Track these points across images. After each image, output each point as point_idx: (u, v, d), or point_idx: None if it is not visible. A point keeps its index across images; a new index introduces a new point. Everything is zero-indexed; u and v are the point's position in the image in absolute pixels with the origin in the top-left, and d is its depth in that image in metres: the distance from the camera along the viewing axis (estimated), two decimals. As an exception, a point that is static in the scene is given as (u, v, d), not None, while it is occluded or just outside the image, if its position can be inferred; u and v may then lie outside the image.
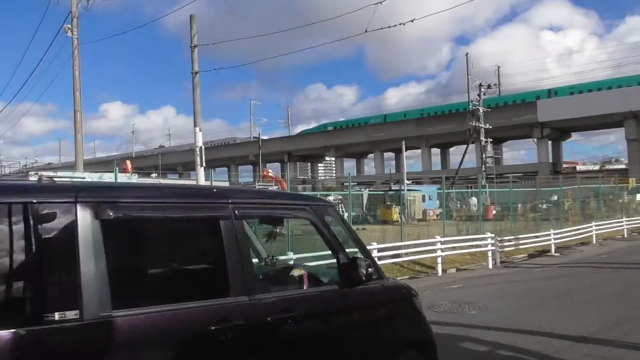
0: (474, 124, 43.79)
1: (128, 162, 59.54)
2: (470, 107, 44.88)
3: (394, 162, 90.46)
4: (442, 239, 14.41)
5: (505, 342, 7.01)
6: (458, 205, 46.45)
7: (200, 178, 15.34)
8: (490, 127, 45.31)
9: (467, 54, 57.45)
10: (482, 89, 44.46)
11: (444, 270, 16.19)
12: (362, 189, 43.75)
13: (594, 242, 21.09)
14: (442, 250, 14.25)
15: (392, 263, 15.84)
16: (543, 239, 17.90)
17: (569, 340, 7.02)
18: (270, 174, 72.24)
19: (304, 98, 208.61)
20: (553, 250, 18.00)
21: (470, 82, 52.72)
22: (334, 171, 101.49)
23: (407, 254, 15.22)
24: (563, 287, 10.97)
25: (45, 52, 49.05)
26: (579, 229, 20.68)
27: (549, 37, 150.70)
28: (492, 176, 45.41)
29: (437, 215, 40.28)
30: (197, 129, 15.54)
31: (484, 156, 44.65)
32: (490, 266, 15.23)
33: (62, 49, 29.65)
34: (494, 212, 39.52)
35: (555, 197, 30.00)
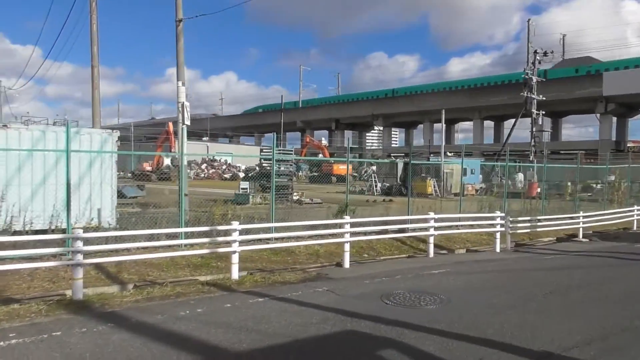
0: (525, 94, 40.24)
1: (170, 124, 59.41)
2: (524, 76, 41.18)
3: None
4: (436, 216, 12.53)
5: (435, 353, 5.32)
6: (502, 180, 43.56)
7: (182, 137, 14.03)
8: (544, 98, 41.57)
9: (528, 20, 53.18)
10: (538, 57, 40.62)
11: (450, 250, 14.48)
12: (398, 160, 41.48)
13: (635, 227, 18.42)
14: (435, 229, 12.38)
15: (393, 239, 14.30)
16: (570, 221, 15.59)
17: (524, 358, 5.25)
18: (314, 142, 71.07)
19: (364, 66, 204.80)
20: (581, 235, 15.69)
21: (532, 51, 48.56)
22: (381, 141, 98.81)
23: (413, 230, 13.69)
24: (565, 281, 8.98)
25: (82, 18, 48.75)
26: (617, 213, 18.05)
27: (628, 7, 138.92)
28: (544, 152, 41.90)
29: (477, 190, 37.85)
30: (180, 83, 14.16)
31: (534, 130, 41.12)
32: (498, 249, 13.24)
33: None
34: (539, 189, 36.72)
35: (612, 177, 26.98)
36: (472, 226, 15.47)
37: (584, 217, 15.80)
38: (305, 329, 6.08)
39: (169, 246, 10.24)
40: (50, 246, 8.35)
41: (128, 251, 9.83)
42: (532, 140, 41.36)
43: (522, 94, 40.68)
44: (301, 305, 7.20)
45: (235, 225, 9.16)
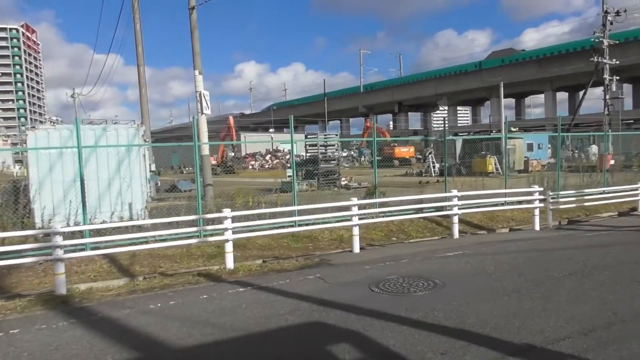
0: (595, 59, 37.03)
1: (231, 117, 60.71)
2: (593, 39, 37.90)
3: (514, 110, 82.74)
4: (459, 194, 11.57)
5: (393, 347, 4.68)
6: (575, 154, 40.67)
7: (202, 127, 13.92)
8: (618, 62, 38.11)
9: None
10: (609, 18, 37.15)
11: (491, 230, 13.55)
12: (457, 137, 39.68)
13: None
14: (459, 207, 11.45)
15: (426, 219, 13.55)
16: (625, 193, 14.00)
17: (501, 353, 4.49)
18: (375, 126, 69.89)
19: (432, 46, 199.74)
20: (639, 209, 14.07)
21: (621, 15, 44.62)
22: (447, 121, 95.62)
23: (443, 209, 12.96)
24: (593, 260, 7.87)
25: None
26: None
27: None
28: (619, 121, 38.59)
29: (544, 166, 35.63)
30: (197, 72, 14.04)
31: (607, 98, 37.82)
32: (537, 227, 12.06)
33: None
34: (612, 162, 33.93)
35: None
36: (520, 203, 14.34)
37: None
38: (267, 321, 5.62)
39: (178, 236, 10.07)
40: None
41: (146, 242, 9.84)
42: (606, 109, 38.06)
43: (591, 59, 37.48)
44: (279, 294, 6.74)
45: (226, 212, 8.82)
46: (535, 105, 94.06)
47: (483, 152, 34.87)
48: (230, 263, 8.68)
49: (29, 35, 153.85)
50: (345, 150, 70.65)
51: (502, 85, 37.86)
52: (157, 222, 11.00)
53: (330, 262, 9.04)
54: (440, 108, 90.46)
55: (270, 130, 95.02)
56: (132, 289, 7.57)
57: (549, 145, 42.99)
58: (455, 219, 11.30)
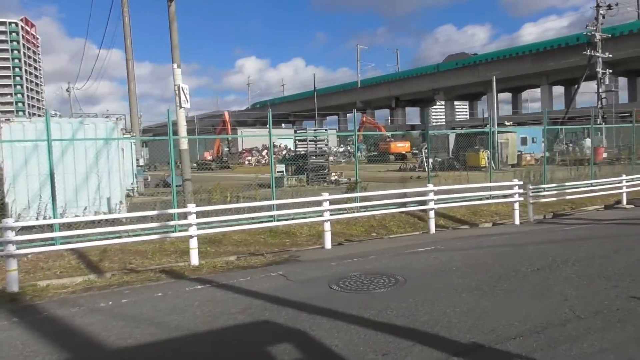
0: (588, 52, 36.79)
1: (226, 112, 60.38)
2: (585, 33, 37.61)
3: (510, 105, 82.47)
4: (435, 189, 11.36)
5: (335, 347, 4.49)
6: (569, 148, 40.47)
7: (180, 121, 13.69)
8: (611, 55, 37.86)
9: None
10: (601, 11, 36.90)
11: (474, 225, 13.38)
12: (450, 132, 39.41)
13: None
14: (439, 202, 11.25)
15: (405, 213, 13.39)
16: (611, 186, 13.82)
17: (446, 353, 4.30)
18: (370, 121, 69.83)
19: (432, 41, 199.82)
20: (625, 201, 13.87)
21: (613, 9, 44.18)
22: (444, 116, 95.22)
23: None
24: (565, 255, 7.66)
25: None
26: None
27: None
28: (618, 114, 38.32)
29: (537, 160, 35.45)
30: (175, 65, 13.77)
31: (600, 91, 37.59)
32: (517, 221, 11.87)
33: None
34: (605, 155, 33.76)
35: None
36: (505, 197, 14.17)
37: (628, 180, 13.91)
38: (214, 320, 5.43)
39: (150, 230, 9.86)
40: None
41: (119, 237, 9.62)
42: (599, 102, 37.85)
43: (584, 52, 37.24)
44: (236, 292, 6.54)
45: (190, 207, 8.61)
46: (533, 100, 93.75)
47: (476, 147, 34.61)
48: (194, 260, 8.48)
49: (28, 29, 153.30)
50: (342, 145, 70.49)
51: (494, 80, 37.61)
52: (132, 217, 10.85)
53: (298, 259, 8.85)
54: (438, 103, 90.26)
55: (283, 125, 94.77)
56: (89, 286, 7.38)
57: (543, 139, 42.77)
58: (432, 214, 11.09)
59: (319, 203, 9.96)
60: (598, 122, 37.54)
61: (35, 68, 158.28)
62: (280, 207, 11.93)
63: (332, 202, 13.36)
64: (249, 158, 59.46)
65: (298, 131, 29.13)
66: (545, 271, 6.81)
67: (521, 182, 12.10)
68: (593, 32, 36.90)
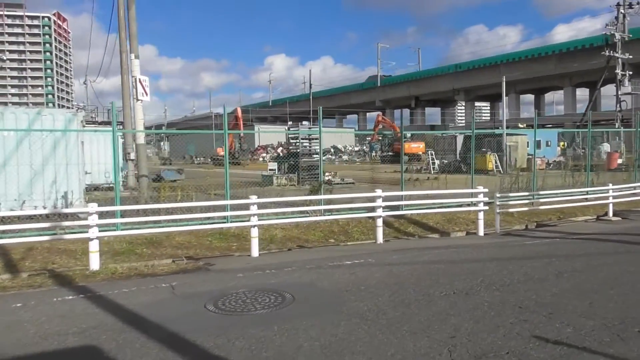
0: (607, 53, 35.01)
1: (239, 109, 60.36)
2: (605, 33, 35.82)
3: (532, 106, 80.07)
4: (383, 195, 10.43)
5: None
6: (584, 152, 38.76)
7: (138, 114, 13.08)
8: (631, 56, 35.99)
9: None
10: (622, 10, 35.08)
11: (445, 233, 12.43)
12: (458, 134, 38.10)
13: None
14: (383, 209, 10.32)
15: (372, 218, 12.58)
16: (602, 195, 12.69)
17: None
18: (385, 120, 68.90)
19: (463, 42, 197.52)
20: (611, 213, 12.68)
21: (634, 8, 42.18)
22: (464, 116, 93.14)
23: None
24: (498, 277, 6.68)
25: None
26: None
27: None
28: (633, 117, 36.37)
29: (549, 164, 34.02)
30: (133, 55, 13.19)
31: (619, 94, 35.78)
32: (482, 232, 10.87)
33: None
34: (620, 160, 32.09)
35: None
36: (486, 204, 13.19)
37: (614, 190, 12.72)
38: (40, 342, 4.70)
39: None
40: None
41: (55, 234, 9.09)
42: (618, 105, 36.03)
43: (602, 53, 35.47)
44: (102, 306, 5.81)
45: (92, 207, 7.90)
46: (559, 102, 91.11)
47: (484, 149, 33.29)
48: (94, 264, 7.78)
49: (60, 24, 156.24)
50: (357, 145, 69.53)
51: (504, 80, 36.13)
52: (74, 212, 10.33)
53: (211, 268, 8.08)
54: (459, 104, 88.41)
55: (289, 123, 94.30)
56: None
57: (560, 143, 41.09)
58: (379, 222, 10.17)
59: (296, 204, 9.22)
60: (617, 125, 35.75)
61: (66, 61, 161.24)
62: (237, 207, 11.23)
63: (294, 204, 12.69)
64: (264, 155, 59.13)
65: (291, 129, 28.30)
66: (459, 296, 5.88)
67: (486, 190, 11.06)
68: (613, 32, 35.10)
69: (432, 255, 8.57)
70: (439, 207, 12.94)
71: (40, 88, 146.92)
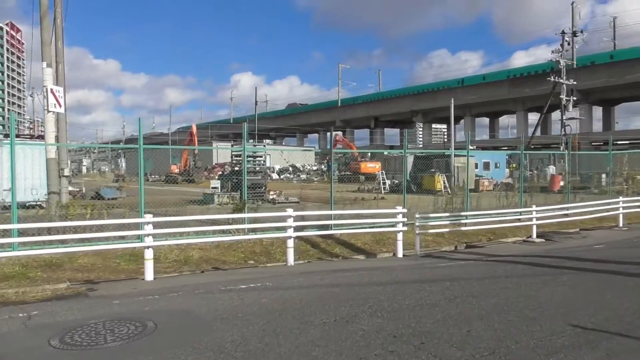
0: (552, 79, 35.96)
1: (194, 125, 59.25)
2: (550, 60, 36.79)
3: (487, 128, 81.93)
4: (294, 214, 10.04)
5: None
6: (534, 174, 39.58)
7: (49, 127, 12.38)
8: (575, 82, 37.09)
9: (572, 3, 48.45)
10: (566, 38, 36.20)
11: (372, 254, 12.01)
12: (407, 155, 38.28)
13: (621, 224, 14.95)
14: (295, 229, 9.92)
15: (298, 238, 12.21)
16: (529, 216, 12.63)
17: None
18: (343, 140, 69.07)
19: (427, 65, 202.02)
20: (534, 234, 12.63)
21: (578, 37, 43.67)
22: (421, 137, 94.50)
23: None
24: (385, 304, 6.31)
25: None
26: (592, 206, 14.79)
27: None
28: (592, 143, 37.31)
29: (497, 185, 34.45)
30: (45, 64, 12.57)
31: (563, 118, 36.71)
32: (400, 254, 10.57)
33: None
34: (562, 183, 32.79)
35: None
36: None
37: (537, 211, 12.68)
38: None
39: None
40: None
41: None
42: (563, 129, 36.96)
43: (548, 79, 36.45)
44: None
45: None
46: (513, 126, 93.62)
47: (432, 170, 33.49)
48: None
49: (14, 34, 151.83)
50: (315, 164, 69.40)
51: (452, 103, 36.66)
52: None
53: (91, 294, 7.44)
54: (418, 125, 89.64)
55: (251, 140, 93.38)
56: None
57: (510, 165, 41.83)
58: (290, 243, 9.72)
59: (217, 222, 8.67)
60: (561, 149, 36.61)
61: (19, 73, 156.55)
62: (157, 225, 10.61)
63: (216, 222, 12.16)
64: (220, 172, 58.11)
65: (234, 145, 27.78)
66: (337, 324, 5.47)
67: (405, 210, 10.79)
68: (558, 59, 36.11)
69: (337, 278, 8.18)
70: (369, 227, 12.64)
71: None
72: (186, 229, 11.12)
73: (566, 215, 16.87)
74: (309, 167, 70.16)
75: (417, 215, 10.87)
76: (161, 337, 5.14)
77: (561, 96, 36.15)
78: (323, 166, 66.73)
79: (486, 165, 38.63)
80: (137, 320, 5.61)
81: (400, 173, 37.03)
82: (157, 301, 6.63)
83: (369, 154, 49.00)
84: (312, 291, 7.15)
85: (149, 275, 8.26)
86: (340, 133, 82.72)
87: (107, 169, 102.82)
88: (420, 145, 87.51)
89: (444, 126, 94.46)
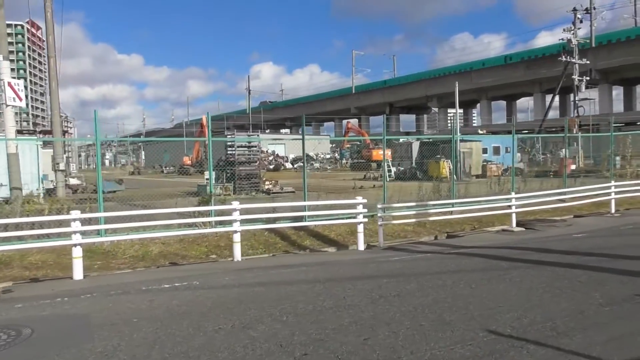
0: (564, 59, 34.53)
1: (204, 117, 59.50)
2: (561, 39, 35.32)
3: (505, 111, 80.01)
4: (239, 207, 9.52)
5: None
6: (547, 158, 38.37)
7: (8, 121, 12.07)
8: (587, 62, 35.59)
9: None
10: (579, 15, 34.65)
11: (344, 246, 11.45)
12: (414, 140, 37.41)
13: (613, 210, 14.06)
14: (309, 219, 9.52)
15: (269, 230, 11.86)
16: (521, 202, 11.94)
17: None
18: (354, 128, 68.31)
19: (449, 49, 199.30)
20: (514, 223, 11.89)
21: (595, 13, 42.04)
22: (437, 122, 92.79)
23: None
24: (301, 306, 5.80)
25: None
26: (579, 191, 13.95)
27: None
28: (588, 125, 35.95)
29: (506, 170, 33.38)
30: (1, 57, 12.19)
31: (576, 99, 35.28)
32: (361, 246, 9.99)
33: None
34: (574, 167, 31.58)
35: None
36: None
37: (516, 199, 11.92)
38: None
39: None
40: None
41: None
42: (576, 110, 35.54)
43: (560, 58, 35.02)
44: None
45: None
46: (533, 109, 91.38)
47: (438, 156, 32.55)
48: None
49: (34, 32, 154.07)
50: (329, 152, 68.84)
51: (457, 85, 35.45)
52: None
53: (5, 296, 7.06)
54: (433, 110, 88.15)
55: (267, 130, 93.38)
56: None
57: (519, 149, 40.53)
58: (236, 237, 9.24)
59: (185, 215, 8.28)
60: (574, 131, 35.23)
61: (40, 70, 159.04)
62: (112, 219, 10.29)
63: (182, 215, 11.79)
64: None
65: (228, 135, 27.38)
66: (231, 331, 4.96)
67: (365, 201, 10.17)
68: (569, 38, 34.66)
69: (271, 275, 7.66)
70: (347, 218, 12.08)
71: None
72: (150, 222, 10.72)
73: (562, 200, 16.04)
74: (322, 156, 69.72)
75: (378, 206, 10.24)
76: (24, 349, 4.71)
77: (573, 76, 34.70)
78: (336, 154, 66.14)
79: (496, 150, 37.49)
80: (15, 327, 5.20)
81: (407, 160, 36.20)
82: (61, 305, 6.22)
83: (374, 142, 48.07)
84: (234, 291, 6.66)
85: (78, 274, 7.86)
86: (352, 121, 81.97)
87: (126, 162, 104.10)
88: (436, 131, 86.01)
89: (461, 110, 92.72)
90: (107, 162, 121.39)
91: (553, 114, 69.48)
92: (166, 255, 10.59)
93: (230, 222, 11.85)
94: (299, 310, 5.60)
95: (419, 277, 7.02)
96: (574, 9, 34.65)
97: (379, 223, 10.14)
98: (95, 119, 11.14)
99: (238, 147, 24.16)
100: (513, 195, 11.99)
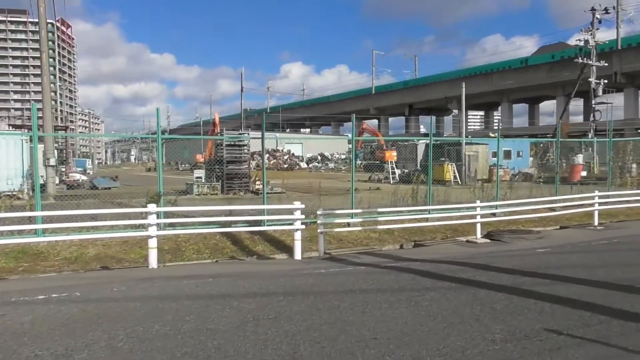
0: (580, 61, 32.91)
1: (217, 115, 59.26)
2: (577, 40, 33.64)
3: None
4: (155, 210, 8.81)
5: None
6: (561, 163, 36.71)
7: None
8: (606, 64, 33.86)
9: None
10: (597, 16, 32.97)
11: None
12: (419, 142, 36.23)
13: (596, 222, 12.90)
14: (241, 224, 8.72)
15: (222, 234, 11.30)
16: (504, 210, 10.99)
17: None
18: (369, 128, 67.45)
19: (479, 51, 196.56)
20: (478, 234, 10.91)
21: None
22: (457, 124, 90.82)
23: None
24: (181, 325, 5.08)
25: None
26: (558, 201, 12.84)
27: None
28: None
29: (514, 176, 32.06)
30: None
31: (593, 103, 33.61)
32: (299, 256, 9.19)
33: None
34: (584, 173, 30.08)
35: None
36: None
37: (481, 207, 10.92)
38: None
39: None
40: None
41: None
42: (592, 115, 33.88)
43: (576, 60, 33.41)
44: None
45: None
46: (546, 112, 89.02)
47: (442, 159, 31.42)
48: None
49: (64, 30, 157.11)
50: (344, 153, 68.02)
51: (463, 86, 34.16)
52: None
53: None
54: (454, 112, 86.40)
55: (287, 130, 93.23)
56: None
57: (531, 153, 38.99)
58: (152, 243, 8.53)
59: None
60: (589, 136, 33.64)
61: (70, 67, 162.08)
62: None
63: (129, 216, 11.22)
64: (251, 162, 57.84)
65: (220, 134, 26.82)
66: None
67: (303, 206, 9.36)
68: (587, 38, 33.06)
69: (165, 288, 6.93)
70: (303, 223, 11.32)
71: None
72: (93, 223, 10.17)
73: (553, 209, 14.98)
74: (337, 156, 68.98)
75: (318, 212, 9.43)
76: None
77: (590, 79, 33.08)
78: (247, 153, 65.21)
79: (507, 154, 36.07)
80: None
81: (411, 162, 35.13)
82: None
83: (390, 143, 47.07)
84: (103, 306, 5.96)
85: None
86: (367, 122, 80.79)
87: (148, 159, 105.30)
88: (454, 134, 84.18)
89: (482, 112, 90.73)
90: (132, 158, 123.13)
91: (577, 118, 67.27)
92: (102, 259, 10.02)
93: (183, 225, 11.25)
94: (148, 333, 4.87)
95: (320, 295, 6.21)
96: (592, 9, 32.99)
97: (319, 230, 9.32)
98: (157, 116, 11.08)
99: (227, 145, 23.60)
100: (478, 204, 11.01)
